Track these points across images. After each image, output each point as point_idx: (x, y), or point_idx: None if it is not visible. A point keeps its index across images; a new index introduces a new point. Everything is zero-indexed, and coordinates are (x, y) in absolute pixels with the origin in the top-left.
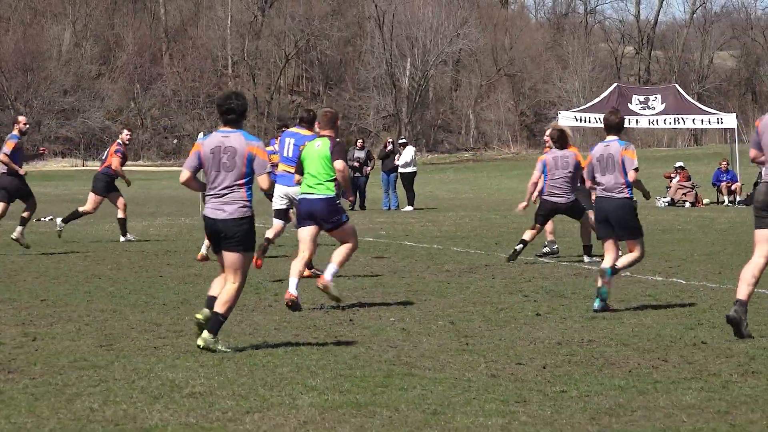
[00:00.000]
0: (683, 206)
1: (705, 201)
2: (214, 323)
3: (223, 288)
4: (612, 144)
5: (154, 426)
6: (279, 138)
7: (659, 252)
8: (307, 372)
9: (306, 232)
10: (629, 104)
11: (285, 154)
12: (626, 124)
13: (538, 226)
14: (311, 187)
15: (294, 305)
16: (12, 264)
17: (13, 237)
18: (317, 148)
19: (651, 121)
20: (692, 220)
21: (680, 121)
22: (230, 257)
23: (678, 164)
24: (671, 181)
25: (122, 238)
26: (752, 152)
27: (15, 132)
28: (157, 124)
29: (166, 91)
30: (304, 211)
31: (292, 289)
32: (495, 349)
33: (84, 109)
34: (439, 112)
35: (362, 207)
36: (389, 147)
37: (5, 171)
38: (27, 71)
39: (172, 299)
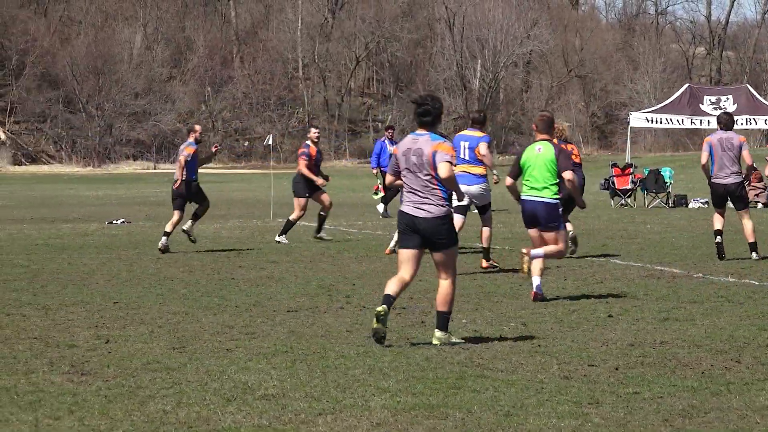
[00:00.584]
0: (755, 207)
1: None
2: (442, 321)
3: (399, 284)
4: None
5: (227, 428)
6: (384, 140)
7: (732, 253)
8: (379, 374)
9: (532, 233)
10: (701, 105)
11: (462, 156)
12: (698, 125)
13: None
14: (534, 189)
15: (539, 298)
16: (84, 267)
17: (184, 228)
18: (539, 152)
19: (704, 121)
20: (765, 221)
21: (752, 121)
22: (438, 256)
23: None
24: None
25: (320, 234)
26: None
27: (191, 139)
28: (228, 127)
29: (236, 93)
30: (527, 213)
31: (536, 287)
32: (567, 351)
33: (155, 111)
34: (510, 113)
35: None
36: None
37: (181, 179)
38: (98, 74)
39: (245, 301)
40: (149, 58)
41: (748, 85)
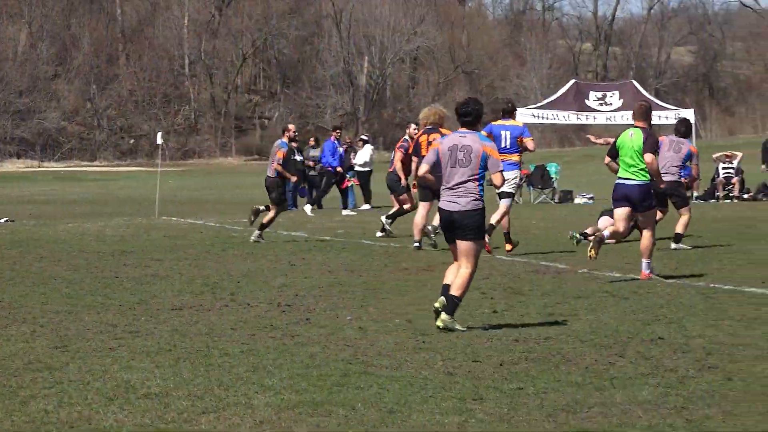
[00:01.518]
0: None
1: None
2: (451, 305)
3: (456, 275)
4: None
5: (109, 427)
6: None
7: (618, 248)
8: (263, 372)
9: (621, 212)
10: (586, 100)
11: (503, 145)
12: (584, 121)
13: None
14: (628, 172)
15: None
16: None
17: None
18: (631, 137)
19: (608, 117)
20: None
21: None
22: (464, 245)
23: None
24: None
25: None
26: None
27: (284, 139)
28: (114, 125)
29: (122, 91)
30: (620, 194)
31: (645, 269)
32: (452, 347)
33: (39, 110)
34: (396, 110)
35: (319, 206)
36: (345, 146)
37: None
38: None
39: (128, 300)
40: (34, 56)
41: (634, 81)
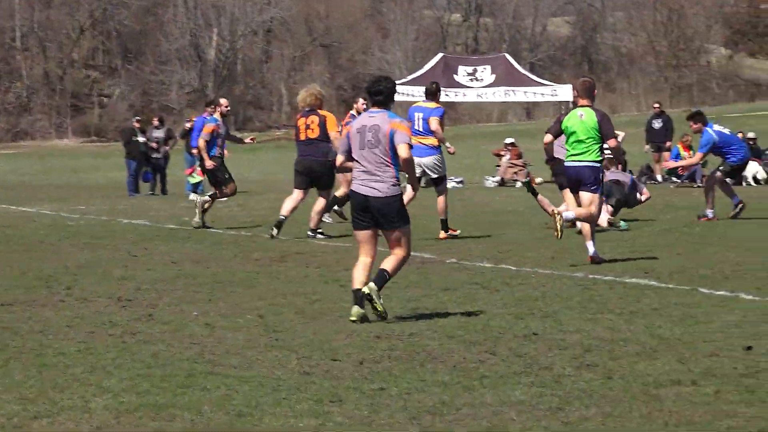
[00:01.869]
0: (514, 186)
1: (538, 180)
2: (381, 279)
3: (366, 270)
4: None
5: None
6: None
7: (489, 236)
8: (102, 372)
9: (570, 194)
10: (455, 76)
11: (415, 128)
12: (452, 98)
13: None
14: (577, 154)
15: (597, 261)
16: None
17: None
18: (582, 118)
19: (479, 94)
20: (524, 201)
21: (511, 93)
22: (393, 235)
23: (508, 140)
24: (501, 159)
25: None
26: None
27: (215, 115)
28: None
29: None
30: (571, 176)
31: (591, 251)
32: (308, 344)
33: None
34: (248, 86)
35: (163, 191)
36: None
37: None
38: None
39: None
40: None
41: (507, 55)
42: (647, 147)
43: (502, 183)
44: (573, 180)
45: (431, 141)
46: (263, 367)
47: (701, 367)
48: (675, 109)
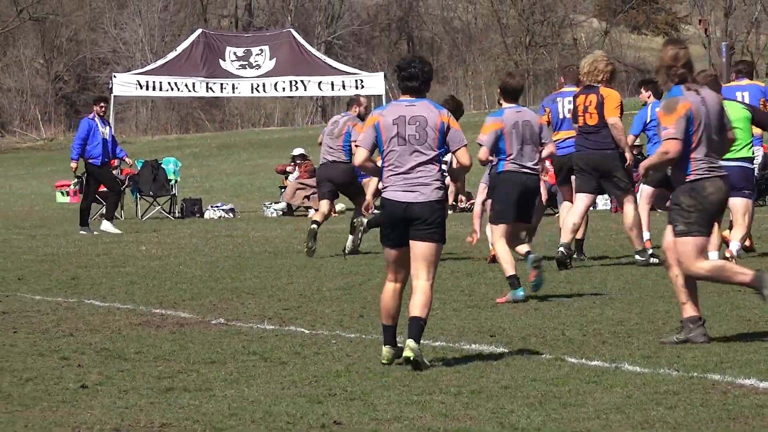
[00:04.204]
0: (306, 215)
1: (339, 207)
2: (417, 329)
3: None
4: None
5: None
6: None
7: (270, 287)
8: None
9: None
10: (222, 61)
11: None
12: (218, 92)
13: None
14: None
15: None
16: None
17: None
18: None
19: (256, 86)
20: (319, 235)
21: (299, 85)
22: (425, 248)
23: (297, 151)
24: (287, 179)
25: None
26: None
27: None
28: None
29: None
30: None
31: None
32: None
33: None
34: None
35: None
36: None
37: None
38: None
39: None
40: None
41: (293, 30)
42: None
43: (290, 211)
44: None
45: None
46: None
47: None
48: (531, 106)
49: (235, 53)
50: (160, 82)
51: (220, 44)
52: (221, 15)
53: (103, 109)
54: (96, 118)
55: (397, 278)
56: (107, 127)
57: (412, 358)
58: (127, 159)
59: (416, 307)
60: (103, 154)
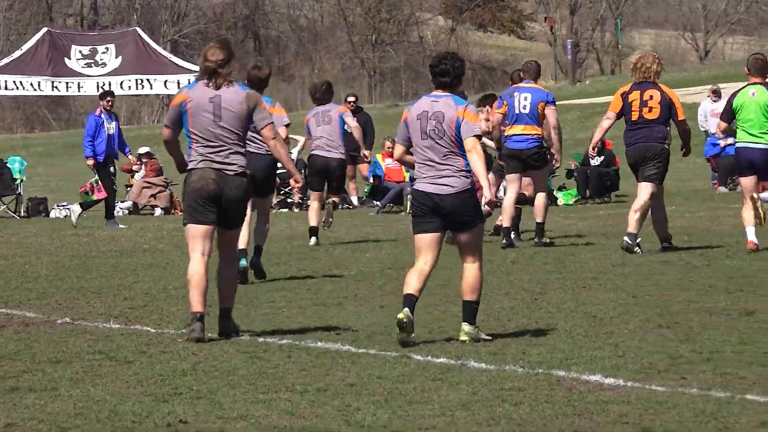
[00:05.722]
0: (153, 214)
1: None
2: (470, 312)
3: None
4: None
5: None
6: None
7: (116, 286)
8: None
9: (749, 181)
10: (67, 60)
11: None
12: (63, 91)
13: None
14: (753, 135)
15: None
16: None
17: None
18: (754, 97)
19: (101, 85)
20: (169, 237)
21: (145, 83)
22: (466, 237)
23: (143, 150)
24: (132, 177)
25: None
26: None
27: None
28: None
29: None
30: (744, 160)
31: (751, 237)
32: None
33: None
34: None
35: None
36: None
37: None
38: None
39: None
40: None
41: (139, 29)
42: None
43: (136, 210)
44: (745, 162)
45: None
46: None
47: None
48: (378, 104)
49: (80, 51)
50: (5, 81)
51: (66, 43)
52: (67, 14)
53: (110, 103)
54: (102, 114)
55: (425, 262)
56: (114, 122)
57: (467, 342)
58: (130, 156)
59: (466, 291)
60: (106, 150)
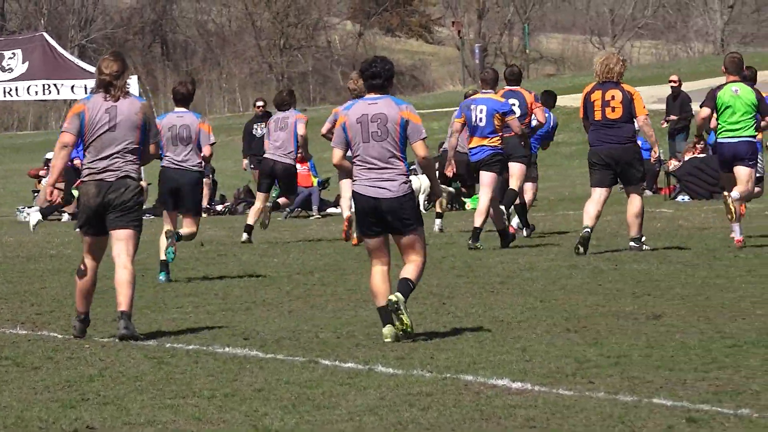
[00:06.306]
0: (60, 219)
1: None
2: (405, 287)
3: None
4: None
5: None
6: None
7: (23, 292)
8: None
9: (732, 177)
10: None
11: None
12: None
13: None
14: (732, 130)
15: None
16: None
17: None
18: (737, 93)
19: (8, 89)
20: (73, 241)
21: (52, 89)
22: (408, 240)
23: (50, 155)
24: (40, 183)
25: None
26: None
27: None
28: None
29: None
30: (726, 153)
31: (737, 235)
32: None
33: None
34: None
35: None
36: None
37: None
38: None
39: None
40: None
41: (46, 34)
42: (245, 162)
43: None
44: (728, 157)
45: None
46: None
47: None
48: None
49: None
50: None
51: None
52: None
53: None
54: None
55: (382, 262)
56: None
57: (393, 300)
58: (75, 161)
59: (408, 272)
60: None
